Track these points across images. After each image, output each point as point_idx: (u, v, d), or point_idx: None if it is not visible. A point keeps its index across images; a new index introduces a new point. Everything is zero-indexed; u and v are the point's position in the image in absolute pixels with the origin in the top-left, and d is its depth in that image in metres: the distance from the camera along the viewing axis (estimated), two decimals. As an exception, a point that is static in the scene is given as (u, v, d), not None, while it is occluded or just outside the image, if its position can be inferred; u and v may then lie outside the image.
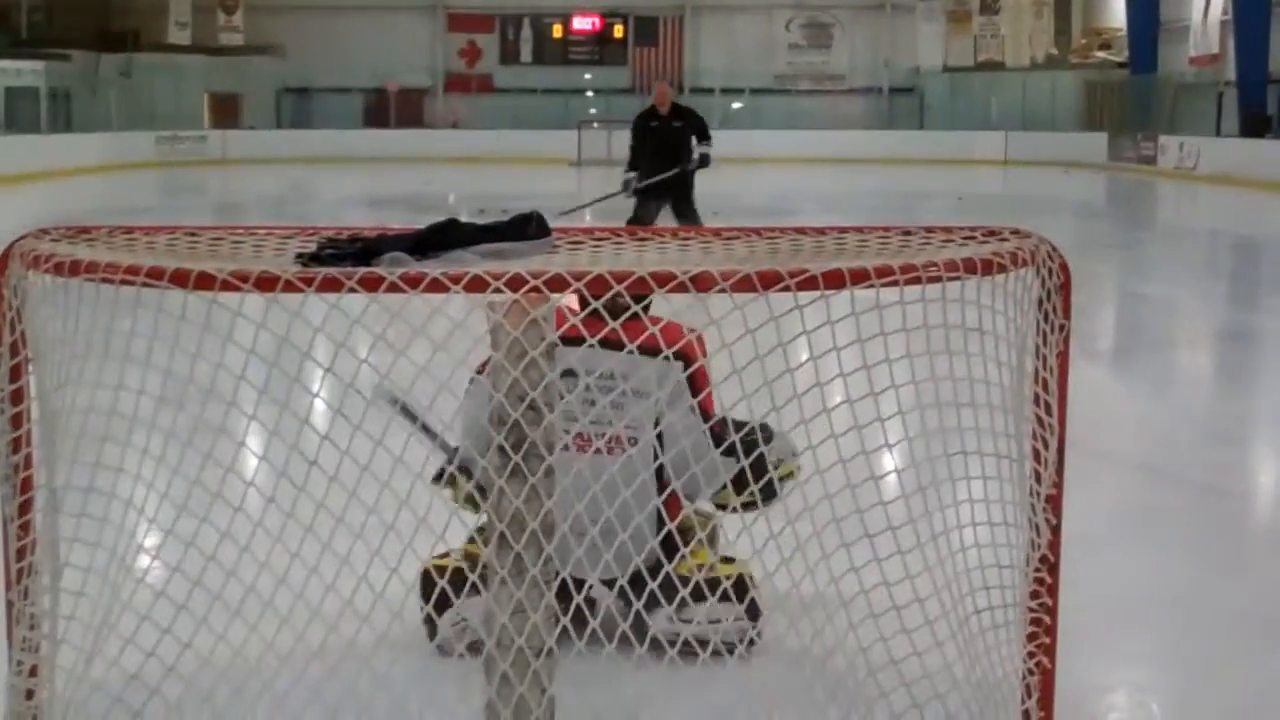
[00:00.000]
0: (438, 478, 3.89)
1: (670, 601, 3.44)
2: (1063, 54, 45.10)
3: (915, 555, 3.09)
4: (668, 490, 3.65)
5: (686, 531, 3.82)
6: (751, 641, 3.98)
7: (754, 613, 4.01)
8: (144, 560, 3.17)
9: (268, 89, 44.85)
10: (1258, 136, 31.49)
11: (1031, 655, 3.14)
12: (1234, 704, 4.08)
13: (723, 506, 4.11)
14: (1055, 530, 3.08)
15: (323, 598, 3.00)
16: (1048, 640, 3.13)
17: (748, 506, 3.81)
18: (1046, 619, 3.12)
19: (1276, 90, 32.56)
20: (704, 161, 14.22)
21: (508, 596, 2.77)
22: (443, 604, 3.80)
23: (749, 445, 3.24)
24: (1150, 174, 35.15)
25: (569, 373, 3.46)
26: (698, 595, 3.61)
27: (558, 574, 2.91)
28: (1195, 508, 6.31)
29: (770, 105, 45.14)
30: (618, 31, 46.28)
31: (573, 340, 3.26)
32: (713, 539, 4.44)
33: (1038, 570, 3.09)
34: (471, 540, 4.07)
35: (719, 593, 3.77)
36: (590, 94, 45.66)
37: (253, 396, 2.85)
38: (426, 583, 3.88)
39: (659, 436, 4.01)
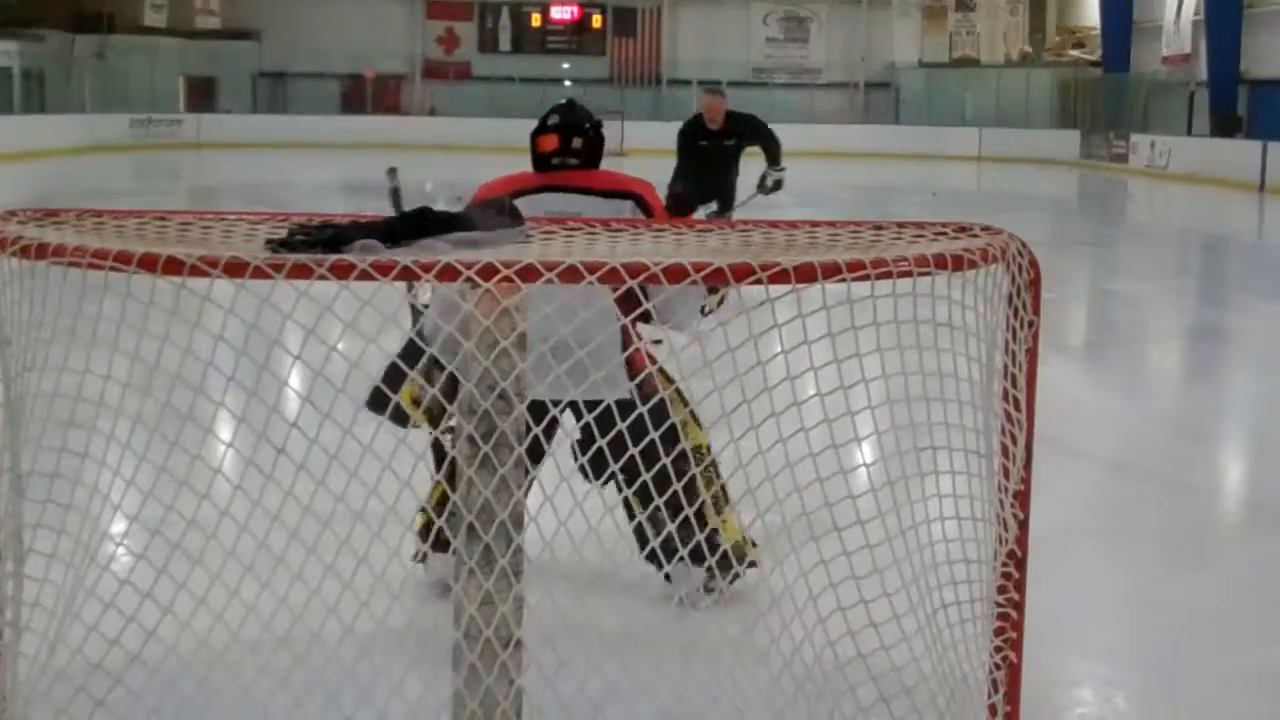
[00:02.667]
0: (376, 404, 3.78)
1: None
2: (1037, 52, 45.25)
3: (884, 549, 3.09)
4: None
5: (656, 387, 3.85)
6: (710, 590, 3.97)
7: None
8: (109, 547, 3.15)
9: (244, 73, 44.64)
10: (1228, 136, 31.67)
11: (998, 650, 3.14)
12: (1200, 699, 4.10)
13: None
14: (1023, 525, 3.08)
15: (289, 586, 2.98)
16: (1014, 635, 3.13)
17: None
18: (1014, 614, 3.13)
19: (1247, 90, 32.72)
20: (773, 186, 11.64)
21: (476, 587, 2.77)
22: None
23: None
24: (1122, 172, 35.29)
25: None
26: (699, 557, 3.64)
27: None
28: (1163, 503, 6.34)
29: (747, 98, 45.04)
30: (596, 22, 46.23)
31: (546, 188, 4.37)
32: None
33: (1005, 565, 3.10)
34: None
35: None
36: (568, 84, 45.58)
37: (221, 383, 2.84)
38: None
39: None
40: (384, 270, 2.47)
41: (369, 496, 2.88)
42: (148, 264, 2.47)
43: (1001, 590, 3.11)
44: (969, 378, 3.03)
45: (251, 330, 2.75)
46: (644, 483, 3.13)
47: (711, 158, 11.49)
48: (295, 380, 2.96)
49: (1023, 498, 3.07)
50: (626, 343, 3.85)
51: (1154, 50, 38.24)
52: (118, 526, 3.18)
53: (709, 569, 3.82)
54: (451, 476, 2.86)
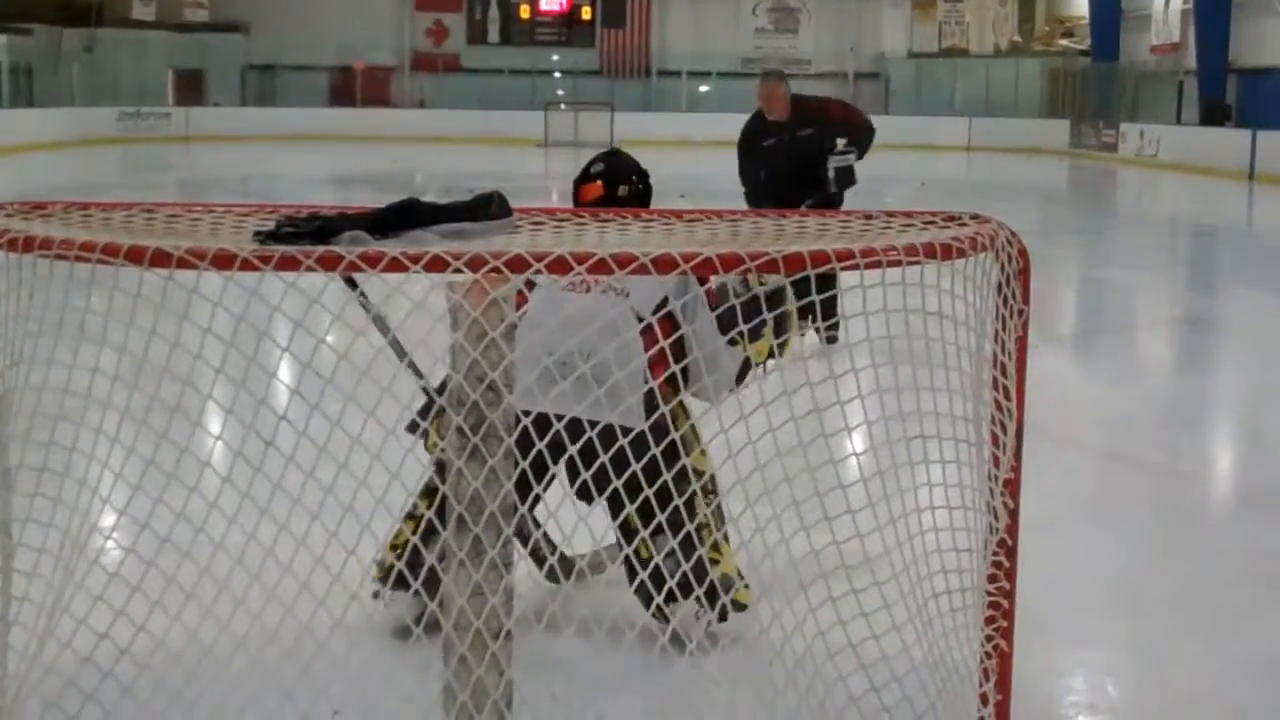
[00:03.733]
0: (412, 428, 3.68)
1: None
2: (1026, 41, 45.26)
3: (874, 539, 3.09)
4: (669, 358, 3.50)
5: (678, 420, 3.77)
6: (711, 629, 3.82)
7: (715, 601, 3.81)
8: (98, 541, 3.14)
9: (232, 66, 44.53)
10: (1217, 125, 31.71)
11: (989, 638, 3.15)
12: (1191, 686, 4.11)
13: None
14: (1013, 514, 3.09)
15: (279, 579, 2.98)
16: (1005, 623, 3.14)
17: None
18: (1004, 602, 3.13)
19: (1235, 79, 32.75)
20: (846, 180, 8.90)
21: (466, 579, 2.76)
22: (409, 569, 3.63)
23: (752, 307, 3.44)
24: (1111, 161, 35.30)
25: None
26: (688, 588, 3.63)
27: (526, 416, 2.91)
28: (1153, 491, 6.35)
29: (737, 89, 45.06)
30: (585, 13, 46.14)
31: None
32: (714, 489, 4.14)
33: (996, 554, 3.10)
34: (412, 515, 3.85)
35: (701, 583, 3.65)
36: (557, 75, 45.55)
37: (209, 376, 2.83)
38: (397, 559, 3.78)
39: (670, 315, 3.97)
40: (372, 262, 2.47)
41: (358, 489, 2.88)
42: (135, 256, 2.47)
43: (992, 579, 3.12)
44: (959, 367, 3.03)
45: (239, 322, 2.74)
46: (640, 509, 3.13)
47: (781, 160, 8.98)
48: (284, 372, 2.95)
49: (1013, 486, 3.07)
50: (651, 373, 3.70)
51: (1143, 39, 38.27)
52: (106, 520, 3.17)
53: (698, 599, 3.75)
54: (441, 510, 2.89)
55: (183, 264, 2.44)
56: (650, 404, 3.59)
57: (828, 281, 2.67)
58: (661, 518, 3.05)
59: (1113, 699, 4.07)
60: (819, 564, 3.10)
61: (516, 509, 2.80)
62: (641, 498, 3.08)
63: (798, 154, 8.91)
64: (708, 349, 3.82)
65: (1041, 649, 4.06)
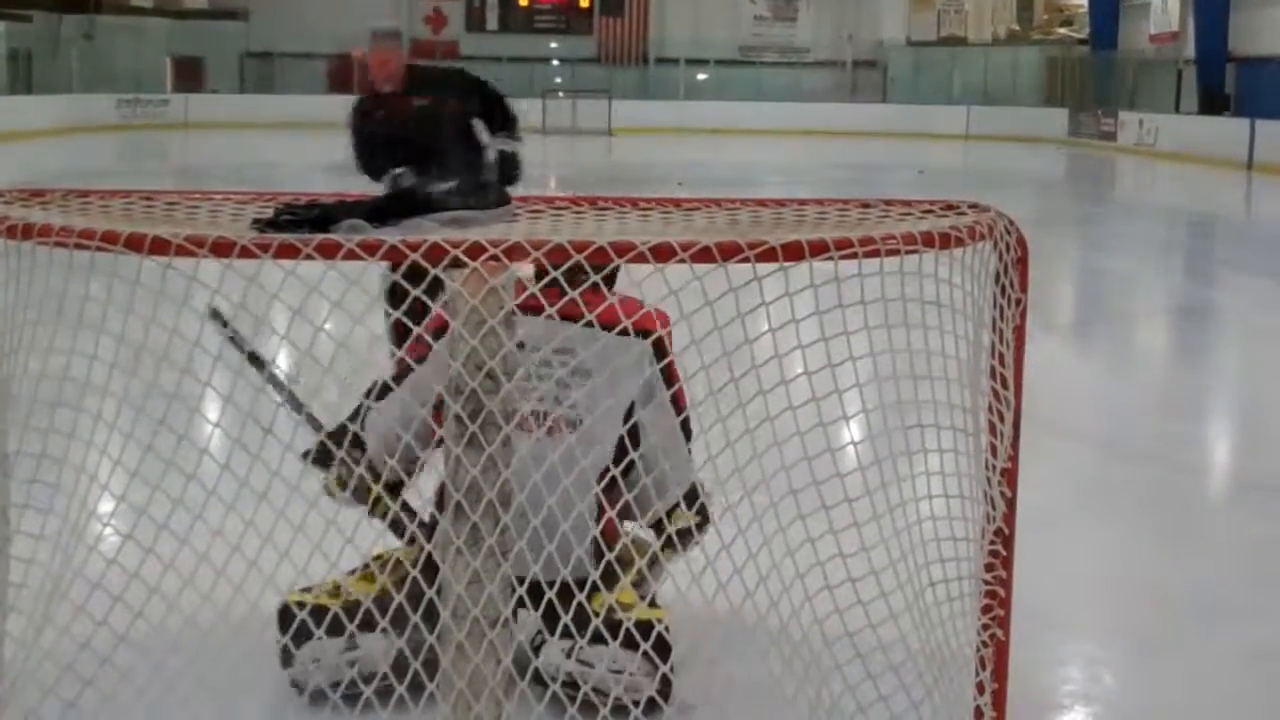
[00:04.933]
0: (313, 456, 3.47)
1: (582, 630, 3.38)
2: (1025, 30, 45.21)
3: (871, 528, 3.09)
4: (610, 483, 3.48)
5: (626, 564, 3.65)
6: (655, 704, 3.45)
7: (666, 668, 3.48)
8: (96, 528, 3.14)
9: (231, 53, 44.46)
10: (1216, 114, 31.67)
11: (986, 627, 3.15)
12: (1187, 676, 4.11)
13: (658, 528, 3.75)
14: (1010, 503, 3.09)
15: (276, 565, 2.98)
16: (1002, 613, 3.14)
17: (683, 536, 3.70)
18: (1001, 591, 3.13)
19: (1235, 68, 32.72)
20: (511, 169, 7.28)
21: (464, 566, 2.77)
22: (302, 637, 3.45)
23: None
24: (1110, 150, 35.27)
25: (519, 345, 3.21)
26: (600, 638, 3.43)
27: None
28: (1150, 481, 6.35)
29: (735, 77, 45.06)
30: (583, 1, 46.08)
31: (530, 311, 3.14)
32: (653, 570, 3.86)
33: (993, 543, 3.11)
34: (353, 572, 3.57)
35: (624, 637, 3.40)
36: (555, 63, 45.49)
37: (208, 363, 2.83)
38: (285, 616, 3.49)
39: (630, 431, 3.65)
40: (371, 250, 2.47)
41: (356, 475, 2.88)
42: (134, 244, 2.47)
43: (989, 568, 3.12)
44: (956, 356, 3.03)
45: (238, 310, 2.74)
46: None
47: (395, 142, 7.29)
48: (282, 360, 2.95)
49: (1010, 476, 3.07)
50: (600, 513, 3.52)
51: (1142, 28, 38.22)
52: (105, 506, 3.17)
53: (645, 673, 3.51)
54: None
55: (182, 251, 2.45)
56: (599, 550, 3.48)
57: None
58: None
59: (1109, 688, 4.08)
60: (816, 553, 3.10)
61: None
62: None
63: (405, 132, 7.28)
64: (669, 459, 3.56)
65: (1038, 638, 4.07)
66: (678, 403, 3.69)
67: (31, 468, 2.99)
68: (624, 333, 3.57)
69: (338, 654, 3.38)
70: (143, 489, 2.99)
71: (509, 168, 7.18)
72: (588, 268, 2.54)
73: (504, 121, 7.46)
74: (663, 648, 3.44)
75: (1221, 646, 4.32)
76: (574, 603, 3.08)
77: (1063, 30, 44.45)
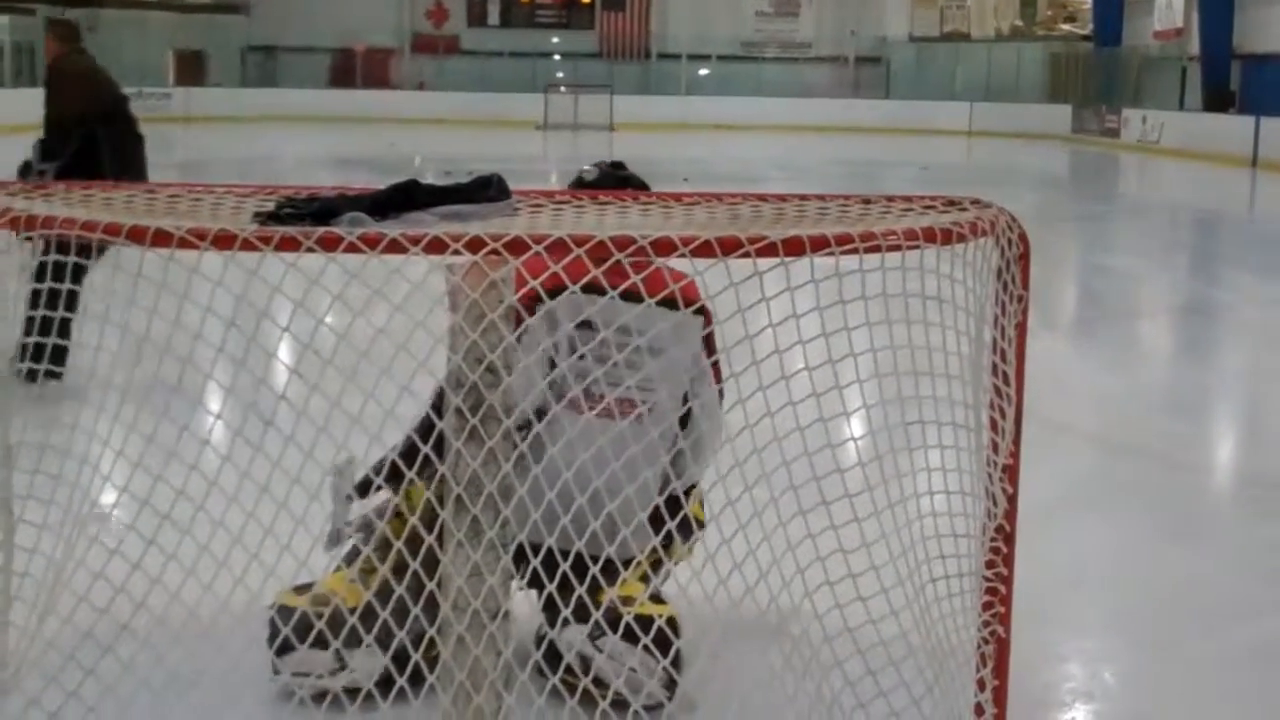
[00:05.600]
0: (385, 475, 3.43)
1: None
2: (1028, 26, 45.22)
3: (872, 523, 3.09)
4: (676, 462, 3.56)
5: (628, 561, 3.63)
6: (664, 701, 3.41)
7: (675, 663, 3.45)
8: (98, 518, 3.15)
9: (233, 47, 44.50)
10: (1220, 111, 31.69)
11: (986, 624, 3.15)
12: (1188, 674, 4.11)
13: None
14: (1012, 500, 3.09)
15: (278, 557, 2.98)
16: (1003, 609, 3.14)
17: (684, 527, 3.56)
18: (1002, 588, 3.13)
19: (1239, 65, 32.71)
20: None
21: (464, 559, 2.77)
22: (287, 650, 3.39)
23: None
24: (1113, 147, 35.28)
25: (586, 324, 3.38)
26: (619, 629, 3.42)
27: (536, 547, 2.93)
28: (1151, 479, 6.35)
29: (737, 72, 45.08)
30: (585, -4, 46.12)
31: (593, 290, 3.11)
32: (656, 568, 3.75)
33: (994, 539, 3.11)
34: (339, 568, 3.58)
35: (635, 632, 3.41)
36: (557, 58, 45.50)
37: (209, 355, 2.83)
38: (273, 623, 3.43)
39: (688, 413, 3.73)
40: (372, 243, 2.47)
41: (357, 468, 2.89)
42: (136, 236, 2.47)
43: (990, 565, 3.12)
44: (958, 352, 3.03)
45: (240, 302, 2.75)
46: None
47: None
48: (283, 352, 2.96)
49: (1012, 472, 3.07)
50: (664, 485, 3.54)
51: (1146, 24, 38.22)
52: (107, 497, 3.18)
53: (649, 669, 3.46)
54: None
55: (184, 244, 2.45)
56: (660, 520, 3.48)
57: None
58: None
59: (1109, 686, 4.08)
60: (816, 548, 3.10)
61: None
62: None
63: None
64: (709, 425, 3.70)
65: (1039, 635, 4.07)
66: (716, 371, 3.77)
67: (35, 458, 3.00)
68: (680, 306, 3.49)
69: (325, 669, 3.36)
70: (145, 480, 2.99)
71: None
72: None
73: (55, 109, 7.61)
74: (665, 643, 3.45)
75: (1222, 644, 4.32)
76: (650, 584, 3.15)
77: (1066, 26, 44.46)
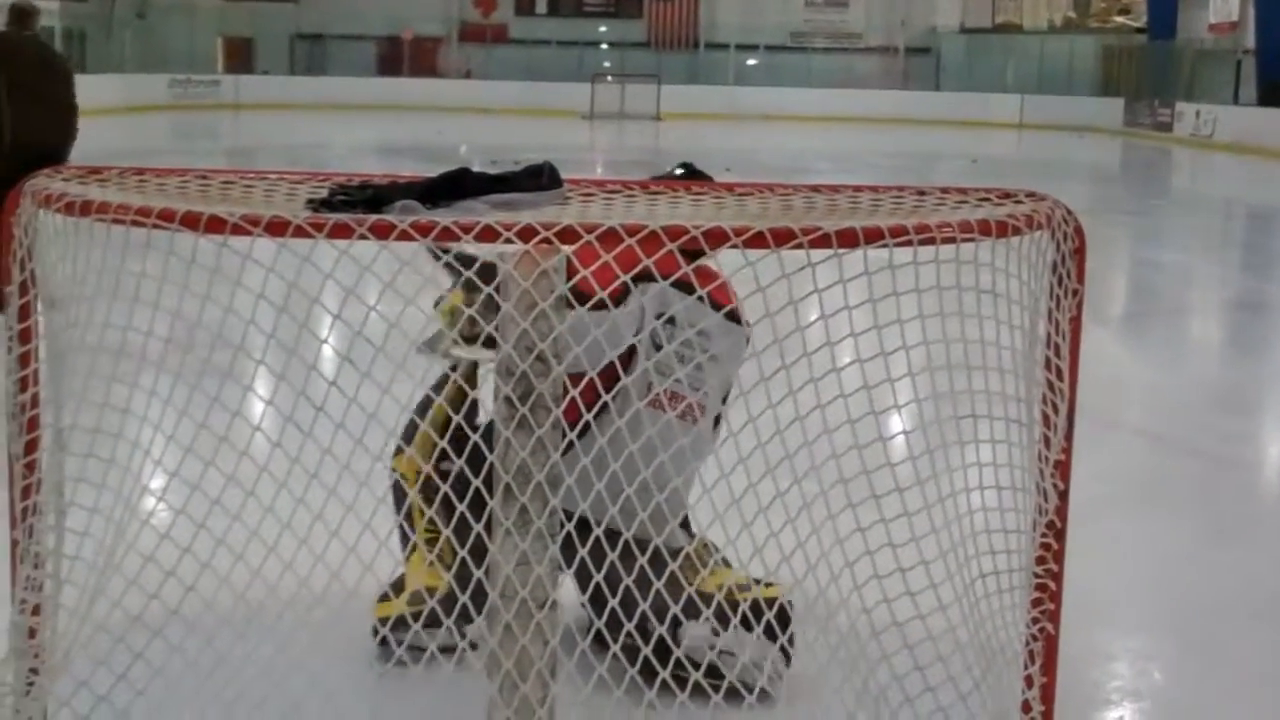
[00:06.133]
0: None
1: (693, 615, 3.38)
2: (1081, 18, 44.93)
3: (922, 518, 3.07)
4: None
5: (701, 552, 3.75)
6: (779, 675, 3.56)
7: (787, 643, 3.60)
8: (149, 502, 3.16)
9: (282, 34, 44.69)
10: (1275, 105, 31.36)
11: (1036, 621, 3.13)
12: (1238, 674, 4.08)
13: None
14: (1063, 496, 3.07)
15: (327, 544, 2.99)
16: (1052, 606, 3.12)
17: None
18: (1052, 585, 3.11)
19: (1295, 59, 32.41)
20: None
21: (512, 548, 2.77)
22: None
23: None
24: (1166, 141, 35.02)
25: (671, 320, 3.46)
26: (725, 618, 3.51)
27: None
28: (1204, 477, 6.31)
29: (786, 63, 44.96)
30: (634, -15, 46.08)
31: (682, 286, 3.20)
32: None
33: (1044, 535, 3.08)
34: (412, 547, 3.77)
35: (755, 619, 3.53)
36: (604, 47, 45.48)
37: (261, 341, 2.84)
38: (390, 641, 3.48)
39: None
40: (424, 231, 2.47)
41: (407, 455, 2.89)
42: (190, 222, 2.48)
43: (1040, 561, 3.10)
44: (1010, 345, 3.01)
45: (292, 289, 2.75)
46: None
47: None
48: (334, 339, 2.96)
49: (1063, 468, 3.05)
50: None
51: (1200, 17, 37.91)
52: (157, 482, 3.19)
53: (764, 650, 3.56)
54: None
55: (237, 230, 2.46)
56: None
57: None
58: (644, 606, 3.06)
59: (1158, 684, 4.05)
60: (865, 542, 3.09)
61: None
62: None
63: None
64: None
65: (1088, 633, 4.05)
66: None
67: (86, 442, 3.02)
68: (738, 320, 3.72)
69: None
70: (195, 465, 3.00)
71: None
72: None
73: None
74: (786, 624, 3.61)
75: (1272, 643, 4.28)
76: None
77: (1120, 19, 44.16)
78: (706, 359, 3.63)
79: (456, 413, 3.03)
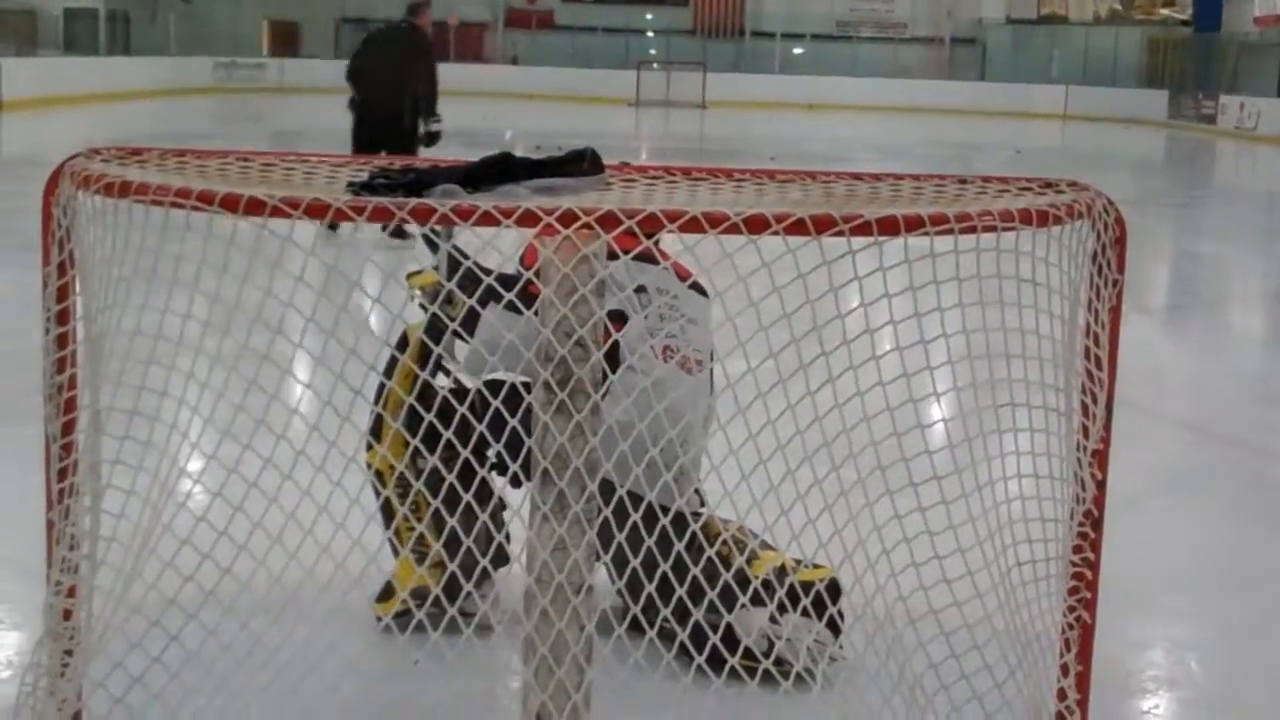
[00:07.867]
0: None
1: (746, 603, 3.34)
2: (1126, 9, 44.63)
3: (959, 505, 3.06)
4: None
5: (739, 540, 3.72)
6: (832, 659, 3.61)
7: (834, 625, 3.61)
8: (185, 484, 3.17)
9: (327, 18, 44.80)
10: (1320, 99, 31.14)
11: (1072, 610, 3.12)
12: (1274, 665, 4.06)
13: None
14: (1101, 485, 3.05)
15: (364, 527, 3.00)
16: (1089, 595, 3.11)
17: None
18: (1088, 574, 3.10)
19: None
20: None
21: (549, 533, 2.77)
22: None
23: None
24: (1210, 133, 34.77)
25: (641, 289, 3.67)
26: (781, 604, 3.49)
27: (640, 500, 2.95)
28: (1242, 468, 6.27)
29: (831, 51, 44.83)
30: (680, -28, 45.99)
31: (645, 259, 3.40)
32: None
33: (1081, 525, 3.07)
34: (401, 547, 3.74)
35: (805, 600, 3.53)
36: (651, 34, 45.43)
37: (299, 324, 2.85)
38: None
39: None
40: (465, 215, 2.47)
41: (444, 440, 2.89)
42: (230, 204, 2.48)
43: (1077, 550, 3.08)
44: (1050, 335, 2.99)
45: (331, 272, 2.76)
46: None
47: None
48: (374, 323, 2.97)
49: (1101, 457, 3.03)
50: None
51: (1246, 10, 37.60)
52: (195, 464, 3.20)
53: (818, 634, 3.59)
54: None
55: (277, 212, 2.46)
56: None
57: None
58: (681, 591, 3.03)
59: (1194, 674, 4.03)
60: (902, 529, 3.08)
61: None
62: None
63: None
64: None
65: (1124, 622, 4.03)
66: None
67: (124, 424, 3.02)
68: (703, 292, 3.93)
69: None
70: (233, 448, 3.01)
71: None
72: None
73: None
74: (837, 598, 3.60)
75: (1313, 637, 4.25)
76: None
77: (1165, 11, 43.84)
78: (685, 321, 3.83)
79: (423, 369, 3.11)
